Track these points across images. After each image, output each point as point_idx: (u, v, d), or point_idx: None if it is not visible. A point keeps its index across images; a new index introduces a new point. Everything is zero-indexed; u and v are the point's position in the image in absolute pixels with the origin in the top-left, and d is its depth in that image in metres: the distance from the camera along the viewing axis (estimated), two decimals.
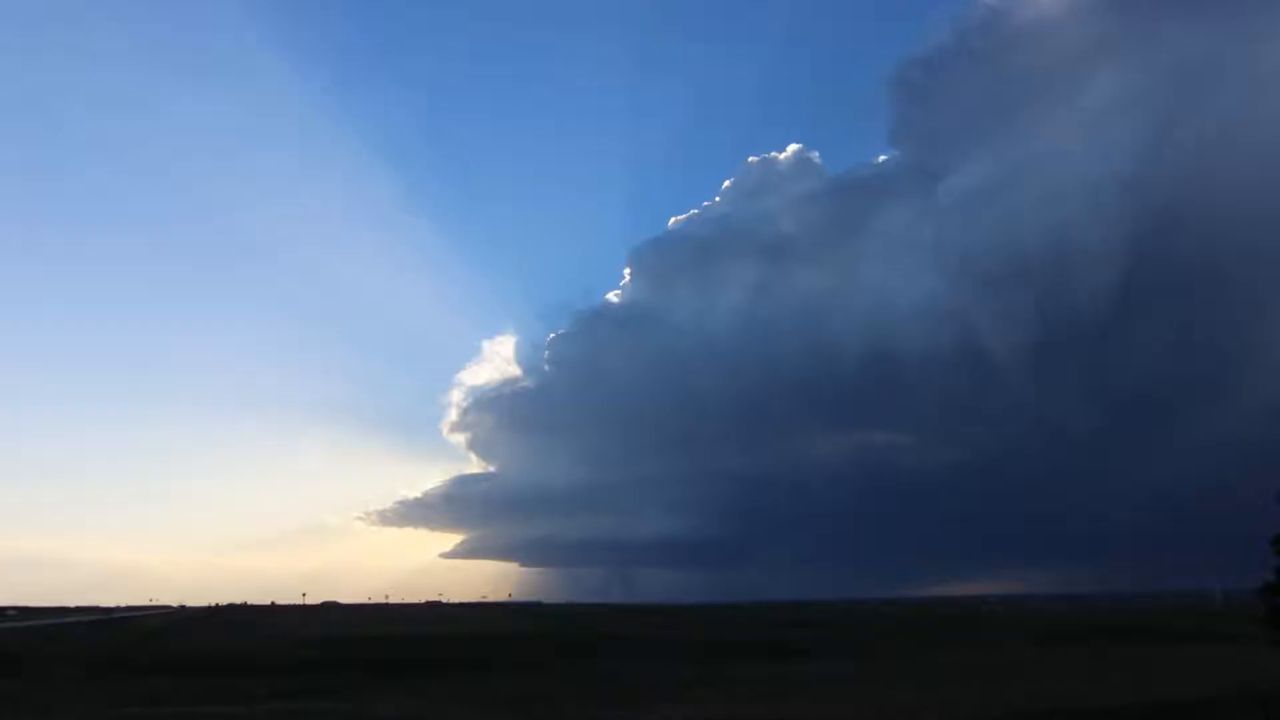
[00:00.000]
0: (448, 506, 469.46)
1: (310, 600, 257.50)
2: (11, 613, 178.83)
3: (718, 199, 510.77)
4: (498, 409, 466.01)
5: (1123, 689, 41.70)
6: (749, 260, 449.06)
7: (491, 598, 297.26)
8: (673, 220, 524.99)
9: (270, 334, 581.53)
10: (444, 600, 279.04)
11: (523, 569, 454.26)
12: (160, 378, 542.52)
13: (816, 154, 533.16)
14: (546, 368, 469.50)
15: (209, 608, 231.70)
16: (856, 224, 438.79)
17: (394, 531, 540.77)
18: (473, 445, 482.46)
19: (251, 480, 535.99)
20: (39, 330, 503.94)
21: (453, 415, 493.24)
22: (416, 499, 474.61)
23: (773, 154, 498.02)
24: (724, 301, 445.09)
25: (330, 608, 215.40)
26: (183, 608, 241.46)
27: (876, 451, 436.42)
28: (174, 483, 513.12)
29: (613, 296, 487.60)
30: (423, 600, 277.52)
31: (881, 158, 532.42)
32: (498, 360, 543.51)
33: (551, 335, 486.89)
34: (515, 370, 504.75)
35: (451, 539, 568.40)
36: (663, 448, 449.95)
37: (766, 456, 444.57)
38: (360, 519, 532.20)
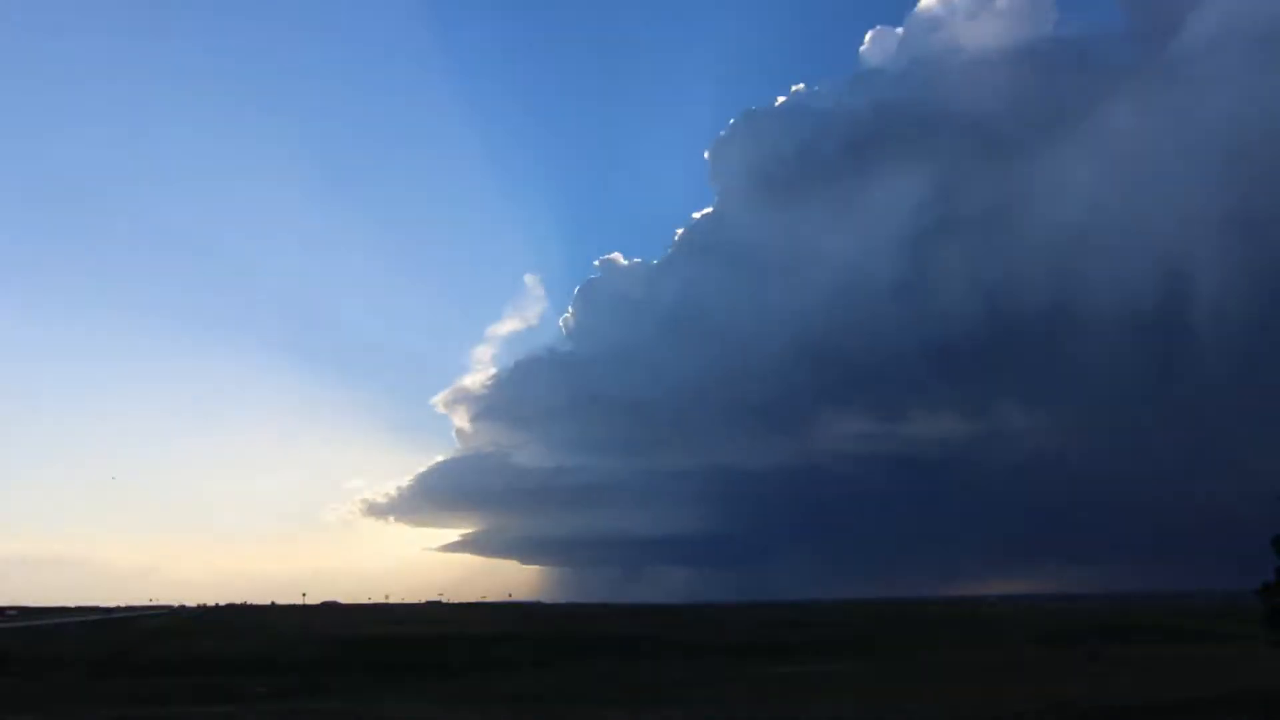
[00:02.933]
0: (446, 498, 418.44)
1: (310, 600, 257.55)
2: (11, 613, 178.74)
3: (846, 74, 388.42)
4: (504, 386, 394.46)
5: (1123, 689, 41.68)
6: (898, 157, 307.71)
7: (491, 597, 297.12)
8: (794, 88, 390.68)
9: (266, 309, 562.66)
10: (444, 600, 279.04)
11: (523, 566, 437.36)
12: (155, 368, 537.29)
13: None
14: (567, 328, 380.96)
15: (209, 608, 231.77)
16: (1081, 104, 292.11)
17: (393, 526, 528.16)
18: (476, 428, 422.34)
19: (245, 472, 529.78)
20: (37, 330, 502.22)
21: (463, 386, 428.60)
22: (415, 489, 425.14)
23: None
24: (844, 221, 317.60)
25: (330, 608, 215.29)
26: (183, 608, 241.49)
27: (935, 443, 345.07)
28: (173, 478, 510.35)
29: (699, 217, 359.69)
30: (423, 600, 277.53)
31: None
32: (516, 320, 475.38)
33: (580, 286, 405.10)
34: (532, 331, 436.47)
35: (449, 534, 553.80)
36: (715, 428, 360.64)
37: (816, 444, 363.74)
38: (359, 512, 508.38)
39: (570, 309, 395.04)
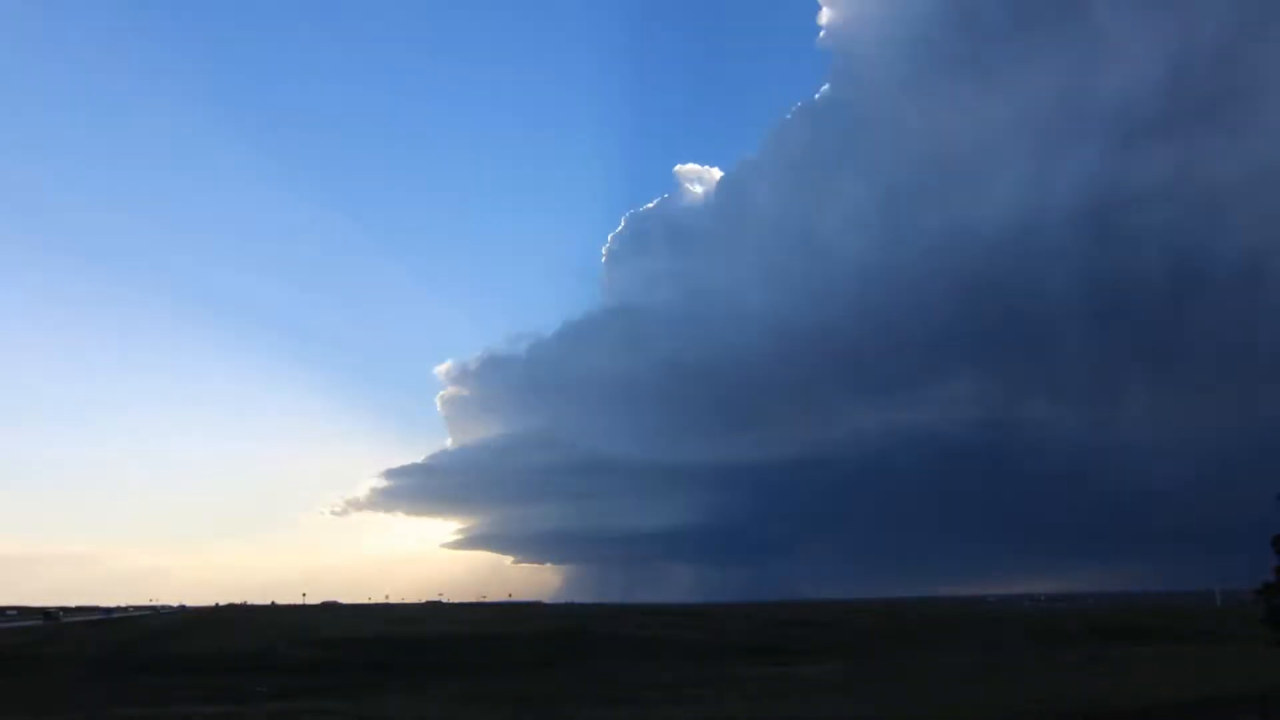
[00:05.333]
0: (442, 487, 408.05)
1: (310, 600, 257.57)
2: (11, 613, 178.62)
3: None
4: (512, 361, 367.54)
5: (1123, 689, 41.66)
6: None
7: (491, 597, 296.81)
8: None
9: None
10: (444, 600, 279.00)
11: (524, 565, 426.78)
12: (154, 367, 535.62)
13: None
14: (605, 277, 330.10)
15: (209, 608, 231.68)
16: None
17: (391, 519, 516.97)
18: (474, 415, 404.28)
19: (246, 468, 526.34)
20: (37, 330, 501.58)
21: (468, 362, 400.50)
22: (412, 481, 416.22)
23: None
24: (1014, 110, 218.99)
25: (330, 608, 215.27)
26: (183, 608, 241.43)
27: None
28: (173, 477, 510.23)
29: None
30: (423, 600, 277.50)
31: None
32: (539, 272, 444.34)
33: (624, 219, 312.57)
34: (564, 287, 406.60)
35: (448, 530, 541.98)
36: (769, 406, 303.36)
37: (847, 430, 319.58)
38: (356, 507, 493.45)
39: (605, 252, 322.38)
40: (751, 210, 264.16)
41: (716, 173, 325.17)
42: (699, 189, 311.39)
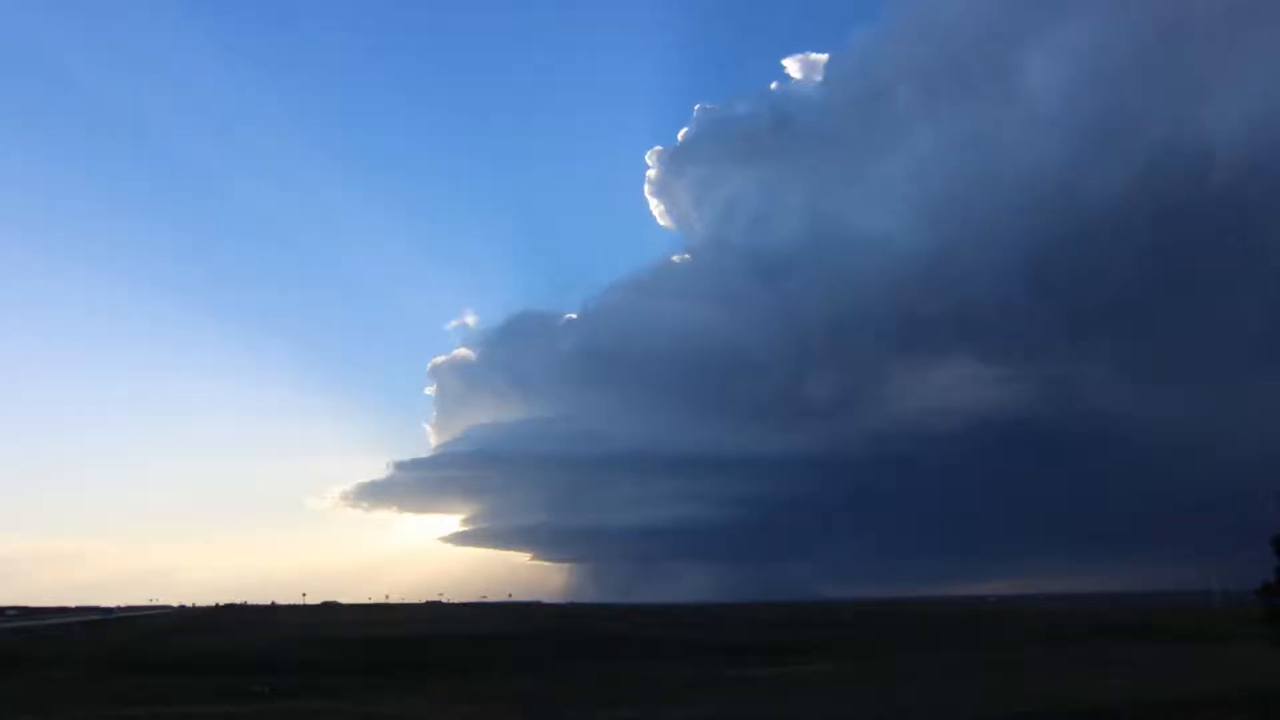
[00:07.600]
0: (443, 482, 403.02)
1: (310, 600, 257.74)
2: (11, 613, 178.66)
3: None
4: (513, 338, 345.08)
5: (1123, 689, 41.65)
6: None
7: (491, 597, 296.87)
8: None
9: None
10: (444, 600, 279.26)
11: (533, 562, 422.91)
12: (153, 368, 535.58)
13: None
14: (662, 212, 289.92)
15: (209, 608, 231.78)
16: None
17: (385, 514, 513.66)
18: (467, 399, 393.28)
19: (247, 467, 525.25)
20: (35, 331, 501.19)
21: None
22: (403, 476, 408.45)
23: None
24: None
25: (330, 608, 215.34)
26: (183, 608, 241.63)
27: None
28: (173, 477, 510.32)
29: None
30: (423, 600, 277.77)
31: None
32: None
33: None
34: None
35: (450, 521, 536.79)
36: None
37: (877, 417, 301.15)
38: (344, 500, 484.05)
39: (653, 158, 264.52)
40: (869, 106, 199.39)
41: (822, 59, 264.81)
42: (805, 76, 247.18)
